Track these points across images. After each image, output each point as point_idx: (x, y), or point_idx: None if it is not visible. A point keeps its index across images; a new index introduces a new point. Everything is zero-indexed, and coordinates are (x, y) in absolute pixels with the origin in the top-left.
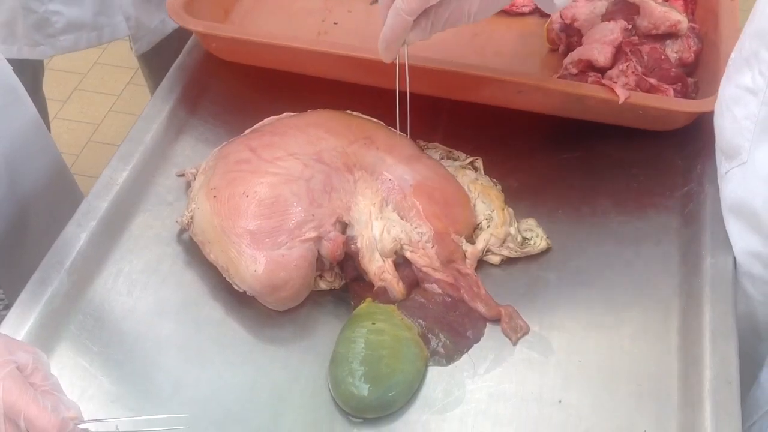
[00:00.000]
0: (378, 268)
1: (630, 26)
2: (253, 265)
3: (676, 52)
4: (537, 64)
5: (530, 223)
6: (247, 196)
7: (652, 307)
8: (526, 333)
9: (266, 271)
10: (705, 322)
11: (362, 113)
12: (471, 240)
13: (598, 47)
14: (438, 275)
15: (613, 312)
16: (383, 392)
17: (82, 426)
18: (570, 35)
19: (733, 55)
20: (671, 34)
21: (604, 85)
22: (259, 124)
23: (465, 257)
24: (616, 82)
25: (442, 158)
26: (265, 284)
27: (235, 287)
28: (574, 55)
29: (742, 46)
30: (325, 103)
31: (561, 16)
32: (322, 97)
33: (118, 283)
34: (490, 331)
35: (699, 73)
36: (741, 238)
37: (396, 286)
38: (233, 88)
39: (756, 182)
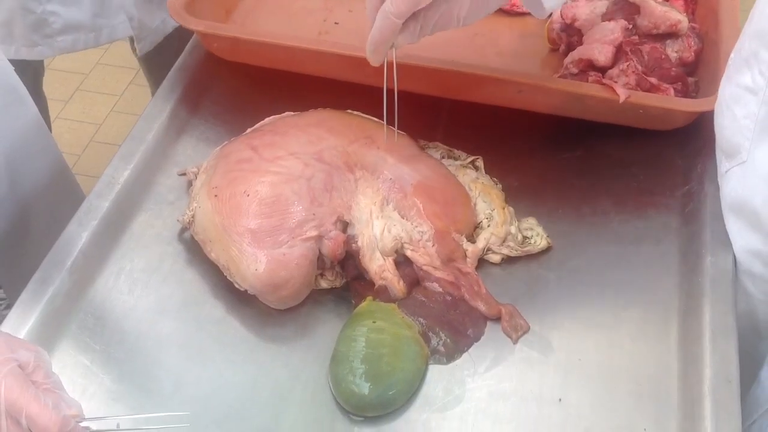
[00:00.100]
0: (379, 266)
1: (630, 26)
2: (254, 263)
3: (676, 52)
4: (537, 64)
5: (530, 222)
6: (248, 195)
7: (652, 305)
8: (526, 332)
9: (267, 270)
10: (705, 320)
11: (363, 113)
12: (471, 239)
13: (598, 47)
14: (438, 274)
15: (613, 311)
16: (384, 390)
17: (84, 424)
18: (570, 35)
19: (732, 54)
20: (672, 34)
21: (604, 84)
22: (260, 123)
23: (465, 256)
24: (616, 82)
25: (442, 157)
26: (266, 283)
27: (236, 286)
28: (574, 55)
29: (742, 46)
30: (326, 102)
31: (561, 16)
32: (322, 96)
33: (120, 281)
34: (491, 330)
35: (699, 72)
36: (741, 237)
37: (397, 284)
38: (234, 87)
39: (756, 181)
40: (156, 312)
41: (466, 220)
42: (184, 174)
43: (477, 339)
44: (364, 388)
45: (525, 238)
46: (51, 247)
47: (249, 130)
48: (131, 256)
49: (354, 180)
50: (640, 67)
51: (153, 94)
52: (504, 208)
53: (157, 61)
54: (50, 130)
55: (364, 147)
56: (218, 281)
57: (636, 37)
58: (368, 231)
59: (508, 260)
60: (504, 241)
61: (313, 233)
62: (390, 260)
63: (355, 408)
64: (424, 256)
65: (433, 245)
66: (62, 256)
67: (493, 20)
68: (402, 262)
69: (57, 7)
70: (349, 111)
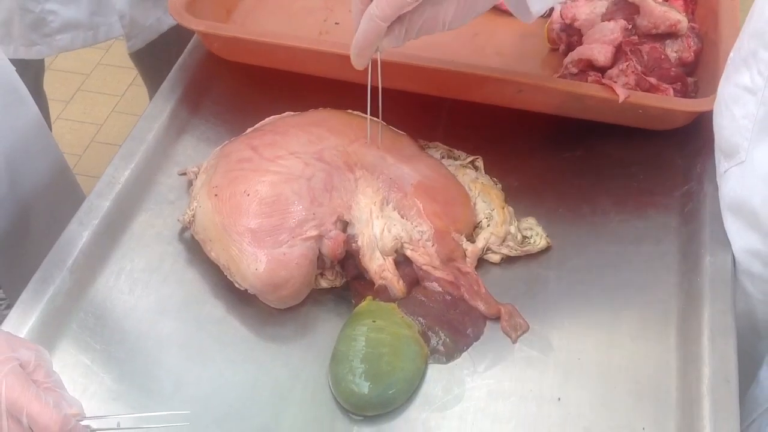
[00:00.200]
0: (378, 266)
1: (630, 26)
2: (255, 263)
3: (676, 52)
4: (537, 64)
5: (530, 221)
6: (249, 195)
7: (651, 305)
8: (525, 331)
9: (267, 270)
10: (704, 320)
11: (363, 112)
12: (471, 238)
13: (598, 47)
14: (438, 273)
15: (613, 310)
16: (383, 390)
17: (84, 423)
18: (570, 35)
19: (731, 54)
20: (671, 34)
21: (604, 84)
22: (260, 123)
23: (465, 256)
24: (616, 82)
25: (442, 157)
26: (266, 282)
27: (237, 285)
28: (574, 55)
29: (741, 46)
30: (326, 102)
31: (561, 16)
32: (323, 96)
33: (120, 281)
34: (490, 330)
35: (699, 72)
36: (740, 237)
37: (396, 284)
38: (235, 87)
39: (754, 181)
40: (156, 311)
41: (465, 220)
42: (185, 174)
43: (476, 338)
44: (364, 387)
45: (524, 237)
46: (51, 247)
47: (249, 129)
48: (132, 256)
49: (354, 180)
50: (639, 67)
51: (149, 92)
52: (503, 208)
53: (148, 60)
54: (51, 130)
55: (365, 147)
56: (218, 281)
57: (635, 37)
58: (368, 231)
59: (508, 260)
60: (503, 241)
61: (313, 233)
62: (390, 260)
63: (354, 407)
64: (423, 256)
65: (433, 245)
66: (63, 256)
67: (493, 20)
68: (402, 261)
69: (55, 6)
70: (349, 111)
